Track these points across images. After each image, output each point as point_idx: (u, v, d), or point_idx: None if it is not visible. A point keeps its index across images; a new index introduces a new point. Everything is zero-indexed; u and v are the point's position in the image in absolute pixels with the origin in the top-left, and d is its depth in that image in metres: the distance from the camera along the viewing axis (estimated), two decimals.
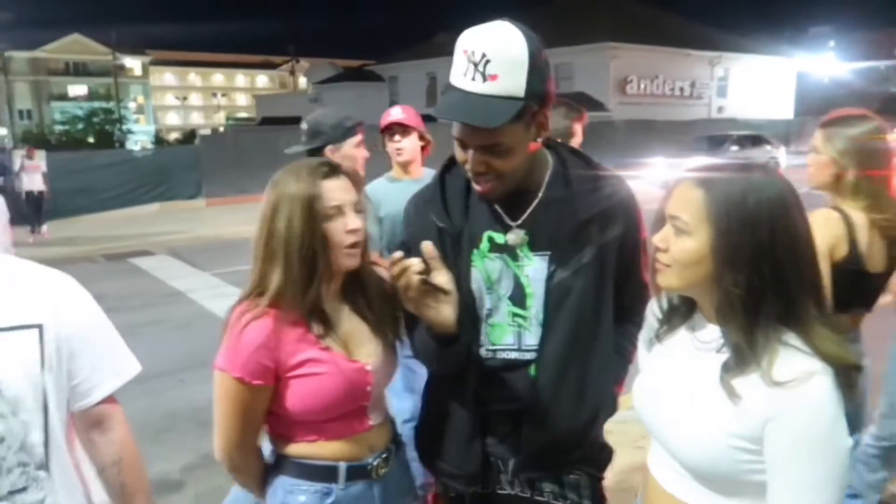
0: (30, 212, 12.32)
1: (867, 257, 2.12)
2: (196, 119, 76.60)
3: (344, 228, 1.45)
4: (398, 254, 1.33)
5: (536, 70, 1.33)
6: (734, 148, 20.12)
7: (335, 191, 1.45)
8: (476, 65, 1.30)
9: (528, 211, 1.49)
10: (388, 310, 1.57)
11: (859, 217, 2.10)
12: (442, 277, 1.37)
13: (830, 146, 2.15)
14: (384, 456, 1.56)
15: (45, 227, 12.49)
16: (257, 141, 17.34)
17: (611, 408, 1.58)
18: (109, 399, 1.38)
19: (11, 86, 59.32)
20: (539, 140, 1.45)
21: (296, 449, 1.50)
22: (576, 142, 2.66)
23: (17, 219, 12.16)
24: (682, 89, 32.73)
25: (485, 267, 1.50)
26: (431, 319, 1.39)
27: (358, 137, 2.71)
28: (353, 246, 1.46)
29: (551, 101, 1.42)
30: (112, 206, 15.48)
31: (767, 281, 1.09)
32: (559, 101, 2.62)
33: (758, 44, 38.42)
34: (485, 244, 1.50)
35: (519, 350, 1.51)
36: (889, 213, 2.09)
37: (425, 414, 1.67)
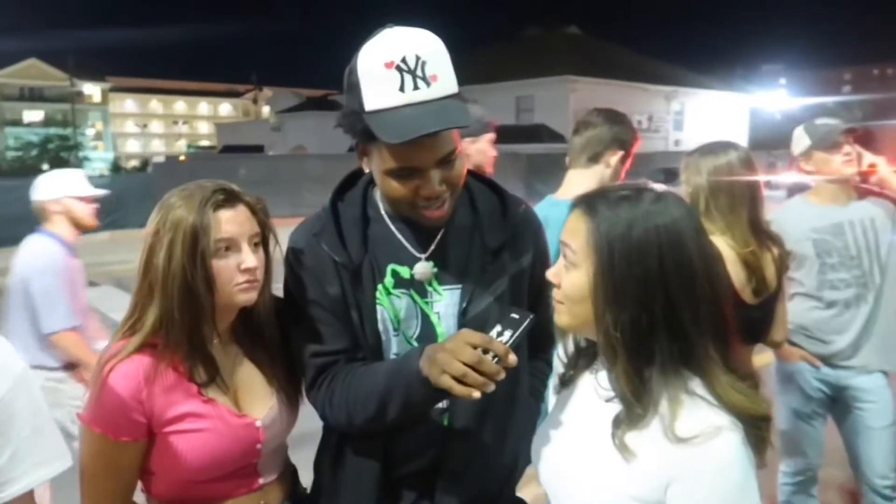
0: None
1: (740, 290, 2.08)
2: (157, 147, 75.54)
3: (236, 266, 1.27)
4: (512, 358, 1.09)
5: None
6: None
7: (229, 223, 1.27)
8: (413, 71, 1.16)
9: (436, 241, 1.34)
10: (286, 354, 1.39)
11: (725, 248, 2.06)
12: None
13: (687, 176, 2.17)
14: None
15: None
16: (215, 168, 17.04)
17: (528, 456, 1.43)
18: (26, 497, 1.08)
19: None
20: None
21: None
22: (625, 161, 2.40)
23: None
24: (639, 122, 33.38)
25: (391, 304, 1.32)
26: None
27: (492, 134, 2.68)
28: (246, 282, 1.29)
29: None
30: None
31: (659, 320, 0.96)
32: (621, 114, 2.45)
33: (713, 80, 39.61)
34: (388, 279, 1.33)
35: None
36: (741, 244, 2.06)
37: (318, 486, 1.45)
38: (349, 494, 1.35)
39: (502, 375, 1.08)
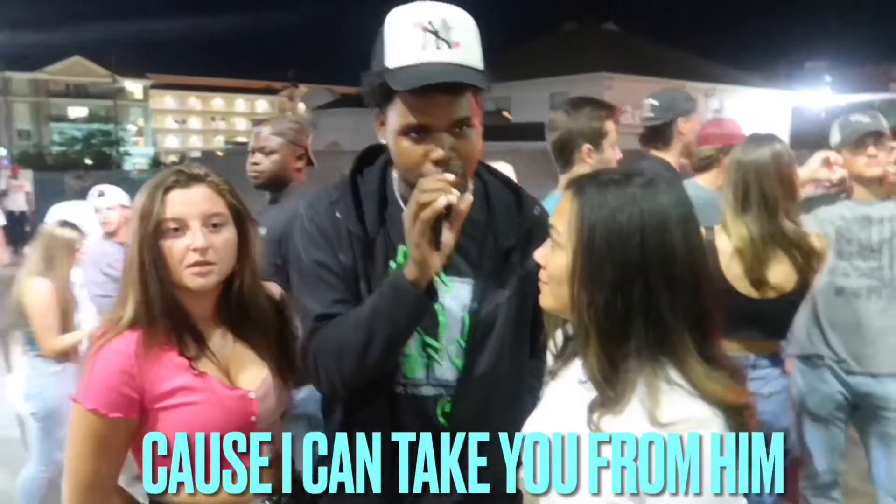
0: (12, 232, 12.13)
1: (733, 279, 2.13)
2: (195, 142, 76.82)
3: (186, 246, 1.27)
4: (451, 176, 1.16)
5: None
6: None
7: (179, 204, 1.27)
8: (437, 33, 1.19)
9: None
10: (275, 331, 1.40)
11: (722, 240, 2.16)
12: (447, 236, 1.18)
13: (726, 170, 2.25)
14: (275, 498, 1.38)
15: (27, 248, 12.30)
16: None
17: None
18: None
19: (11, 106, 59.55)
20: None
21: (173, 497, 1.30)
22: (609, 142, 2.38)
23: None
24: None
25: None
26: (426, 260, 1.17)
27: (698, 113, 2.88)
28: (198, 264, 1.27)
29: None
30: None
31: (636, 305, 0.95)
32: (579, 101, 2.42)
33: (753, 77, 38.80)
34: (400, 258, 1.32)
35: (429, 385, 1.33)
36: (749, 237, 2.11)
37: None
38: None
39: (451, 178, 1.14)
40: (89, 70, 63.42)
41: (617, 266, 0.96)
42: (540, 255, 1.10)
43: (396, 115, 1.23)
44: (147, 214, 1.26)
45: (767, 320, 2.18)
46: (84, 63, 63.77)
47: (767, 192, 2.11)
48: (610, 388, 0.97)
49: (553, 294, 1.06)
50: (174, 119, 79.69)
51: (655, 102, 2.86)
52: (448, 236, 1.18)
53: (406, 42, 1.19)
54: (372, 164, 1.42)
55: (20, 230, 12.30)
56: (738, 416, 0.94)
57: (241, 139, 72.38)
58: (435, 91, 1.16)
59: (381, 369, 1.29)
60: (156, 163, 51.69)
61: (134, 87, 67.63)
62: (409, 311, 1.22)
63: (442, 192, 1.14)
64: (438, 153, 1.21)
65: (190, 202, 1.28)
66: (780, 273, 2.12)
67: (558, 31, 38.37)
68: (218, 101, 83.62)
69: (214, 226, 1.30)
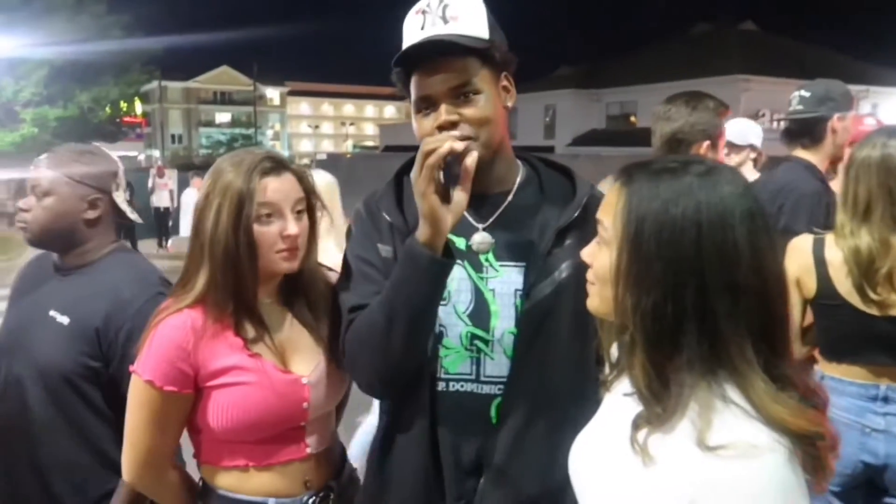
0: (157, 226, 13.21)
1: (847, 294, 1.88)
2: (327, 146, 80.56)
3: (279, 232, 1.29)
4: (456, 132, 1.19)
5: (494, 23, 1.27)
6: None
7: (274, 190, 1.30)
8: (434, 13, 1.24)
9: (497, 213, 1.29)
10: (334, 318, 1.38)
11: (832, 249, 1.90)
12: (459, 196, 1.17)
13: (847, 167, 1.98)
14: (321, 495, 1.36)
15: (170, 242, 13.35)
16: (373, 167, 17.77)
17: None
18: None
19: (166, 113, 65.17)
20: (509, 104, 1.31)
21: (223, 479, 1.33)
22: (723, 143, 2.32)
23: (146, 232, 13.25)
24: None
25: None
26: (434, 213, 1.14)
27: (852, 113, 2.67)
28: (287, 250, 1.30)
29: (512, 65, 1.30)
30: None
31: (687, 310, 0.83)
32: (699, 94, 2.33)
33: None
34: None
35: (477, 381, 1.25)
36: (865, 244, 1.84)
37: (367, 477, 1.40)
38: (397, 483, 1.30)
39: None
40: (234, 78, 68.30)
41: (668, 265, 0.85)
42: (586, 252, 1.02)
43: (411, 97, 1.28)
44: (243, 197, 1.27)
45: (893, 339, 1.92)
46: (230, 72, 68.76)
47: (872, 194, 1.87)
48: (658, 403, 0.86)
49: (599, 295, 0.98)
50: (308, 124, 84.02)
51: (806, 94, 2.61)
52: (460, 195, 1.17)
53: (409, 29, 1.26)
54: None
55: (164, 224, 13.36)
56: (810, 447, 0.81)
57: (370, 143, 75.22)
58: (430, 60, 1.22)
59: (413, 353, 1.23)
60: None
61: (273, 93, 72.11)
62: (426, 274, 1.17)
63: (446, 140, 1.15)
64: (440, 119, 1.23)
65: (283, 190, 1.32)
66: None
67: (690, 33, 36.74)
68: (349, 107, 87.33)
69: (299, 212, 1.34)
